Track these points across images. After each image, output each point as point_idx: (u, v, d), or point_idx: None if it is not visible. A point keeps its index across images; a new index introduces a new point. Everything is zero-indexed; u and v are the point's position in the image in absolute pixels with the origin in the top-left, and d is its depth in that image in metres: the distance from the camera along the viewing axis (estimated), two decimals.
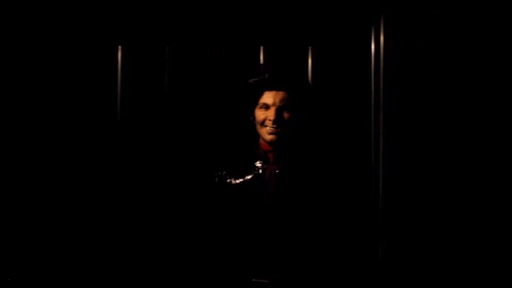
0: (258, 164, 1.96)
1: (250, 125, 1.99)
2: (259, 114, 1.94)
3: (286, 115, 1.91)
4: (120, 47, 2.41)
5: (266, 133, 1.92)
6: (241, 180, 1.96)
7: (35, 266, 2.33)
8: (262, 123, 1.93)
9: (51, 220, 2.35)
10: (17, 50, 2.36)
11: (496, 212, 2.27)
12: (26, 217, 2.34)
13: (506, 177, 2.27)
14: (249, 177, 1.95)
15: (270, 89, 1.94)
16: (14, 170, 2.34)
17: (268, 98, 1.93)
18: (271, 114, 1.91)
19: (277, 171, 1.94)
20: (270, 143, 1.93)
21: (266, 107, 1.93)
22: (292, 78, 2.01)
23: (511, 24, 2.28)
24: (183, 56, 2.45)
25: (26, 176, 2.35)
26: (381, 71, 2.29)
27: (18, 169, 2.35)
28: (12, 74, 2.36)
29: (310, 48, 2.41)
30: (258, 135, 1.98)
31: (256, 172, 1.95)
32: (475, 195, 2.28)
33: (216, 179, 2.00)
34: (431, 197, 2.29)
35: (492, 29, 2.29)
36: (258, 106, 1.95)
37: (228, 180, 1.97)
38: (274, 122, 1.90)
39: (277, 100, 1.92)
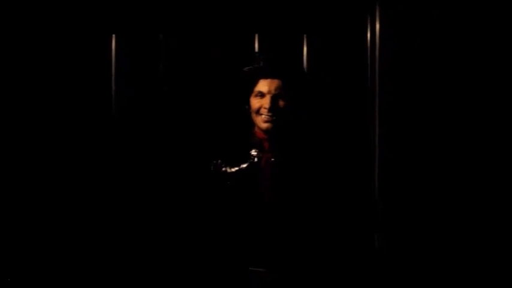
0: (254, 152, 1.95)
1: (246, 114, 1.98)
2: (255, 102, 1.93)
3: (281, 103, 1.90)
4: (114, 35, 2.40)
5: (261, 121, 1.91)
6: (236, 168, 1.95)
7: (35, 266, 2.32)
8: (258, 112, 1.92)
9: (48, 218, 2.35)
10: (9, 42, 2.35)
11: (492, 206, 2.28)
12: (24, 216, 2.33)
13: (501, 170, 2.28)
14: (244, 165, 1.94)
15: (265, 77, 1.93)
16: (7, 168, 2.33)
17: (263, 86, 1.92)
18: (266, 102, 1.90)
19: (272, 159, 1.93)
20: (265, 131, 1.92)
21: (261, 95, 1.92)
22: (287, 66, 1.99)
23: (504, 13, 2.29)
24: (178, 45, 2.44)
25: (22, 173, 2.34)
26: (377, 59, 2.29)
27: (13, 167, 2.34)
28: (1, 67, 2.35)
29: (305, 36, 2.40)
30: (253, 124, 1.97)
31: (251, 160, 1.94)
32: (471, 188, 2.28)
33: (212, 167, 1.99)
34: (426, 180, 2.30)
35: (488, 21, 2.29)
36: (253, 94, 1.94)
37: (224, 169, 1.97)
38: (270, 110, 1.89)
39: (272, 88, 1.91)
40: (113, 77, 2.41)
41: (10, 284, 2.27)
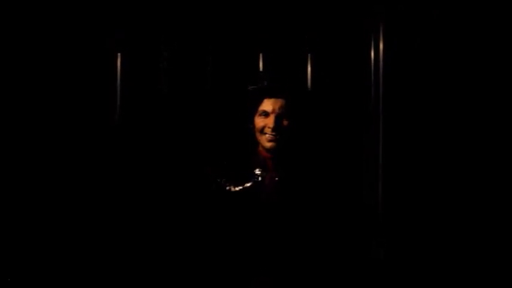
0: (258, 171, 1.96)
1: (250, 132, 1.99)
2: (259, 121, 1.94)
3: (285, 122, 1.92)
4: (119, 54, 2.41)
5: (265, 140, 1.92)
6: (240, 187, 1.96)
7: (35, 266, 2.33)
8: (262, 131, 1.93)
9: (50, 220, 2.36)
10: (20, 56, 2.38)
11: (495, 213, 2.28)
12: (26, 218, 2.34)
13: (504, 177, 2.28)
14: (248, 184, 1.95)
15: (270, 96, 1.94)
16: (16, 171, 2.35)
17: (267, 105, 1.93)
18: (270, 121, 1.91)
19: (276, 178, 1.94)
20: (269, 150, 1.93)
21: (265, 114, 1.93)
22: (292, 85, 2.01)
23: (504, 13, 2.29)
24: (183, 63, 2.45)
25: (27, 176, 2.35)
26: (380, 77, 2.29)
27: (20, 170, 2.35)
28: (14, 78, 2.37)
29: (309, 55, 2.41)
30: (257, 143, 1.98)
31: (255, 179, 1.95)
32: (474, 198, 2.29)
33: (216, 186, 2.00)
34: (429, 206, 2.29)
35: (488, 21, 2.29)
36: (258, 113, 1.95)
37: (228, 188, 1.97)
38: (274, 129, 1.90)
39: (277, 107, 1.92)
40: (118, 95, 2.42)
41: (10, 284, 2.28)
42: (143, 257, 2.36)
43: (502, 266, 2.26)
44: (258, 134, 1.95)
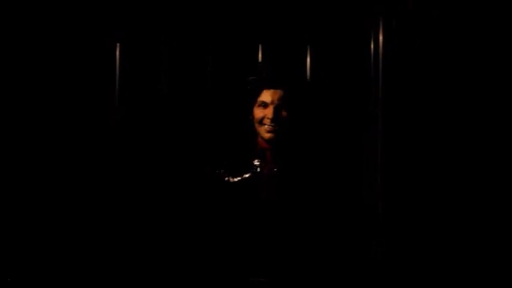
0: (256, 162, 1.96)
1: (249, 123, 1.99)
2: (258, 112, 1.94)
3: (284, 113, 1.92)
4: (118, 44, 2.42)
5: (264, 131, 1.92)
6: (239, 178, 1.95)
7: (35, 266, 2.31)
8: (261, 122, 1.93)
9: (50, 220, 2.34)
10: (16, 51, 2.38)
11: (495, 213, 2.27)
12: (26, 217, 2.33)
13: (504, 177, 2.27)
14: (247, 175, 1.95)
15: (269, 87, 1.94)
16: (14, 170, 2.34)
17: (266, 96, 1.93)
18: (269, 112, 1.91)
19: (275, 169, 1.94)
20: (268, 141, 1.93)
21: (264, 105, 1.93)
22: (291, 76, 2.01)
23: (504, 13, 2.30)
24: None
25: (25, 175, 2.35)
26: (380, 74, 2.30)
27: (18, 169, 2.35)
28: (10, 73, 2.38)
29: (308, 46, 2.42)
30: (256, 133, 1.97)
31: (254, 170, 1.95)
32: (474, 198, 2.28)
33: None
34: (429, 206, 2.29)
35: (488, 21, 2.30)
36: (257, 104, 1.95)
37: (226, 178, 1.97)
38: (273, 120, 1.90)
39: (276, 98, 1.92)
40: (117, 86, 2.43)
41: (10, 284, 2.26)
42: (142, 255, 2.34)
43: (502, 266, 2.24)
44: (257, 125, 1.95)
